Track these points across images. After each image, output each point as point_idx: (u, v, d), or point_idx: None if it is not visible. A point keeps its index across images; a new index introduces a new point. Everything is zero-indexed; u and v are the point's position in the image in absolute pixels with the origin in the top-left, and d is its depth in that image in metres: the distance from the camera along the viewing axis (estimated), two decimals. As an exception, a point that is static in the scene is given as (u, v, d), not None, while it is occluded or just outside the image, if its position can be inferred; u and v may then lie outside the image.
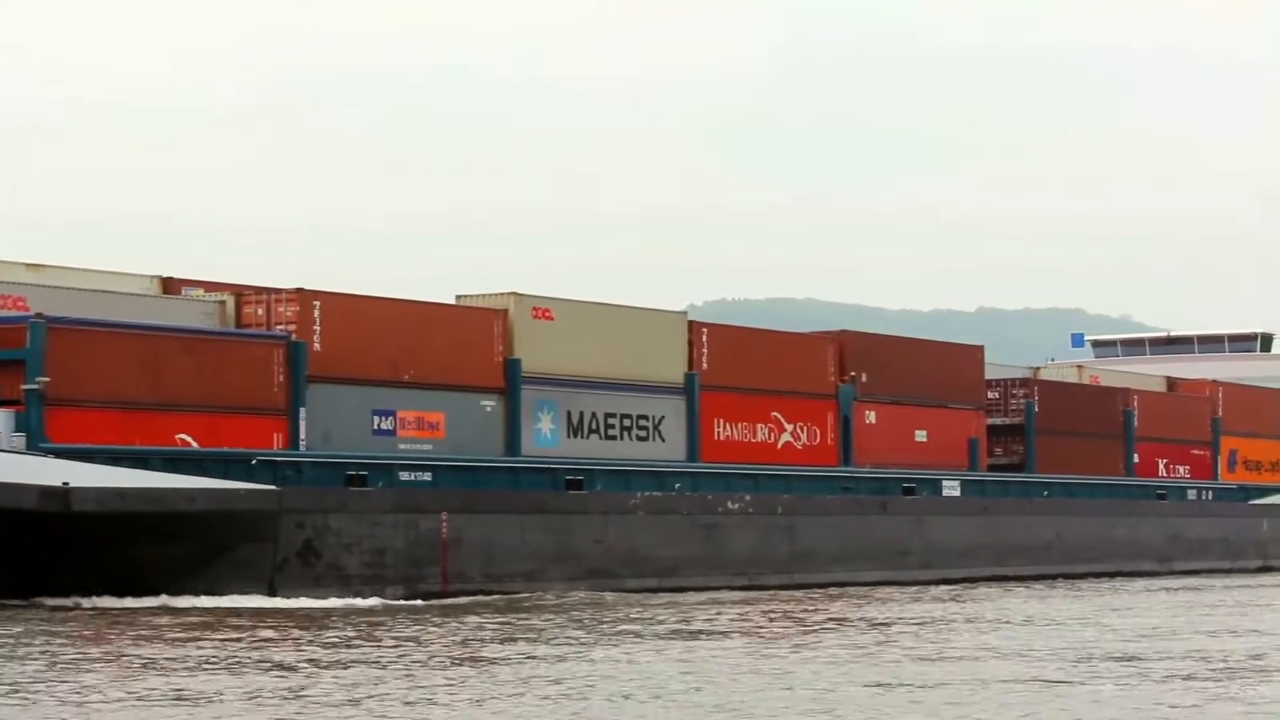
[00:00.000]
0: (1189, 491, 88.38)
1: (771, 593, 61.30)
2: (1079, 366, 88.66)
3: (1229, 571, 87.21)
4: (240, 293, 55.47)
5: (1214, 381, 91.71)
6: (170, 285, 56.48)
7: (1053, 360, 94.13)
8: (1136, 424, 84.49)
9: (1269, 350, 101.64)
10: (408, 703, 27.99)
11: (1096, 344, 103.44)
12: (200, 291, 56.07)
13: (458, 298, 60.26)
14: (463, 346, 58.13)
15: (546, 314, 60.40)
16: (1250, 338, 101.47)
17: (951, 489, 74.06)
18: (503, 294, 59.81)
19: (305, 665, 33.58)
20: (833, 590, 63.64)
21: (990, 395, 78.56)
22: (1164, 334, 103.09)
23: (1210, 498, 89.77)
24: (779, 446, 67.55)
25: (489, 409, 58.71)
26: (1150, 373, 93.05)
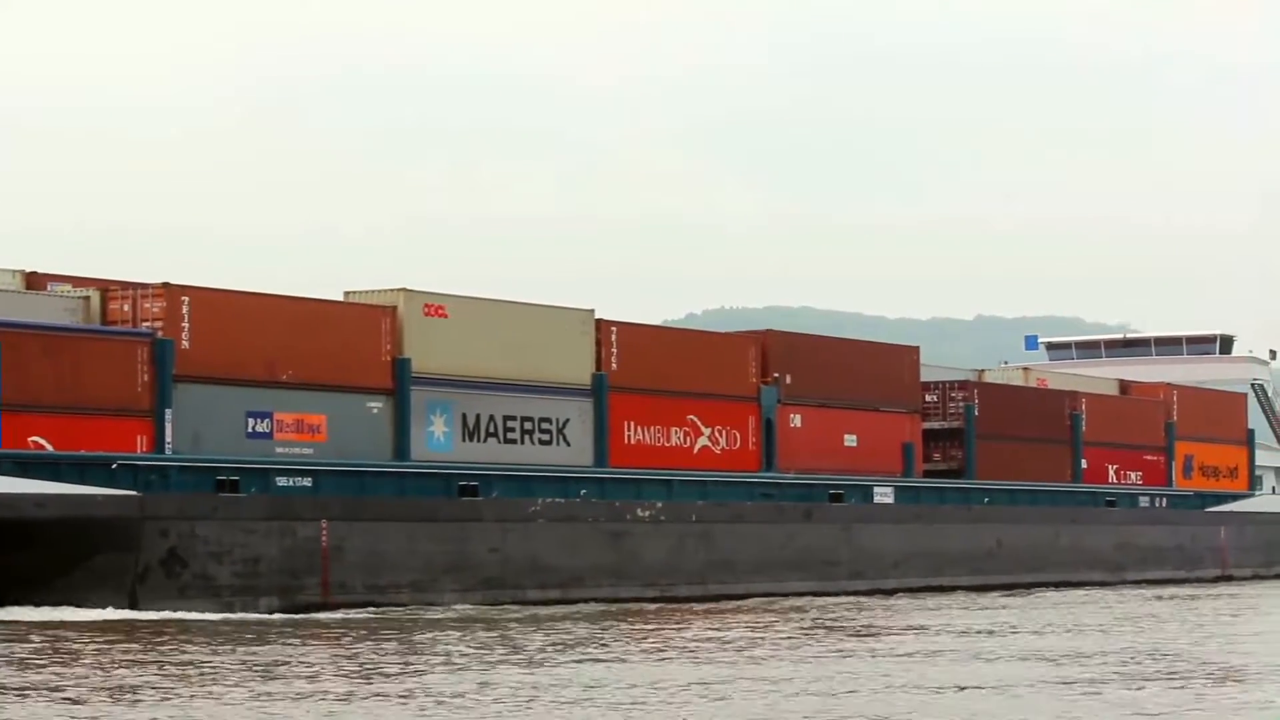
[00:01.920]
0: (1141, 498, 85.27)
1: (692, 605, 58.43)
2: (1025, 369, 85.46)
3: (1184, 581, 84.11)
4: (106, 288, 52.56)
5: (1168, 384, 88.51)
6: (34, 280, 53.62)
7: (1006, 363, 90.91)
8: (1084, 428, 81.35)
9: (1229, 352, 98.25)
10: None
11: (1050, 346, 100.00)
12: (66, 287, 53.13)
13: (345, 294, 57.29)
14: (347, 345, 55.16)
15: (439, 311, 57.42)
16: (1209, 339, 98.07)
17: (884, 495, 70.94)
18: (392, 290, 56.87)
19: None
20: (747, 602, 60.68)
21: (928, 398, 75.49)
22: (1120, 336, 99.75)
23: (1164, 505, 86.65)
24: (695, 451, 64.50)
25: (375, 411, 55.74)
26: (1104, 376, 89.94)
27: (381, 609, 53.17)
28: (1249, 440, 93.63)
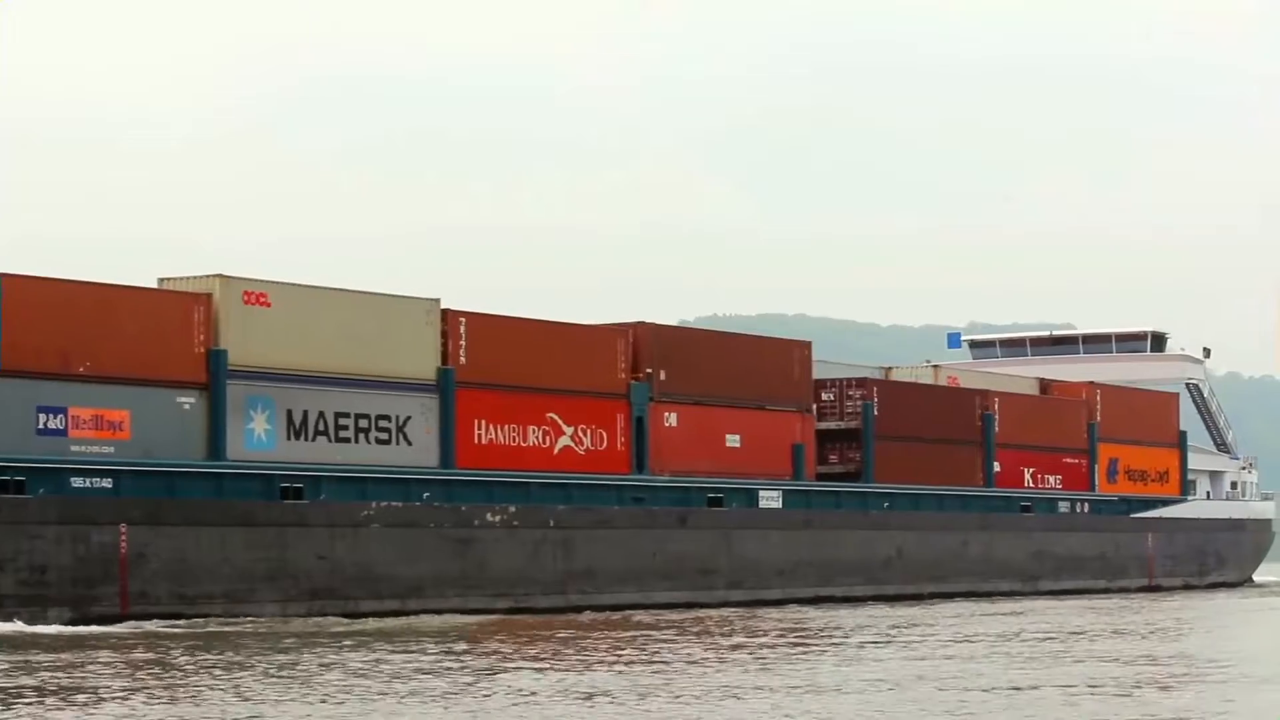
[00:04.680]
0: (1060, 503, 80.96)
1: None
2: (935, 367, 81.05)
3: (1106, 591, 79.81)
4: (-119, 273, 48.35)
5: (1091, 384, 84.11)
6: None
7: (928, 362, 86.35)
8: (997, 429, 77.01)
9: (1162, 350, 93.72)
10: None
11: (974, 345, 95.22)
12: None
13: (160, 281, 53.08)
14: (154, 335, 50.91)
15: (261, 299, 53.16)
16: (1140, 337, 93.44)
17: (770, 500, 66.68)
18: (207, 276, 52.63)
19: None
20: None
21: (824, 397, 71.23)
22: (1047, 333, 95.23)
23: (1086, 510, 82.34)
24: (556, 452, 60.22)
25: (187, 407, 51.49)
26: (1028, 375, 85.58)
27: (190, 621, 49.01)
28: (1181, 443, 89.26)
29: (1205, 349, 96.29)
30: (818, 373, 71.13)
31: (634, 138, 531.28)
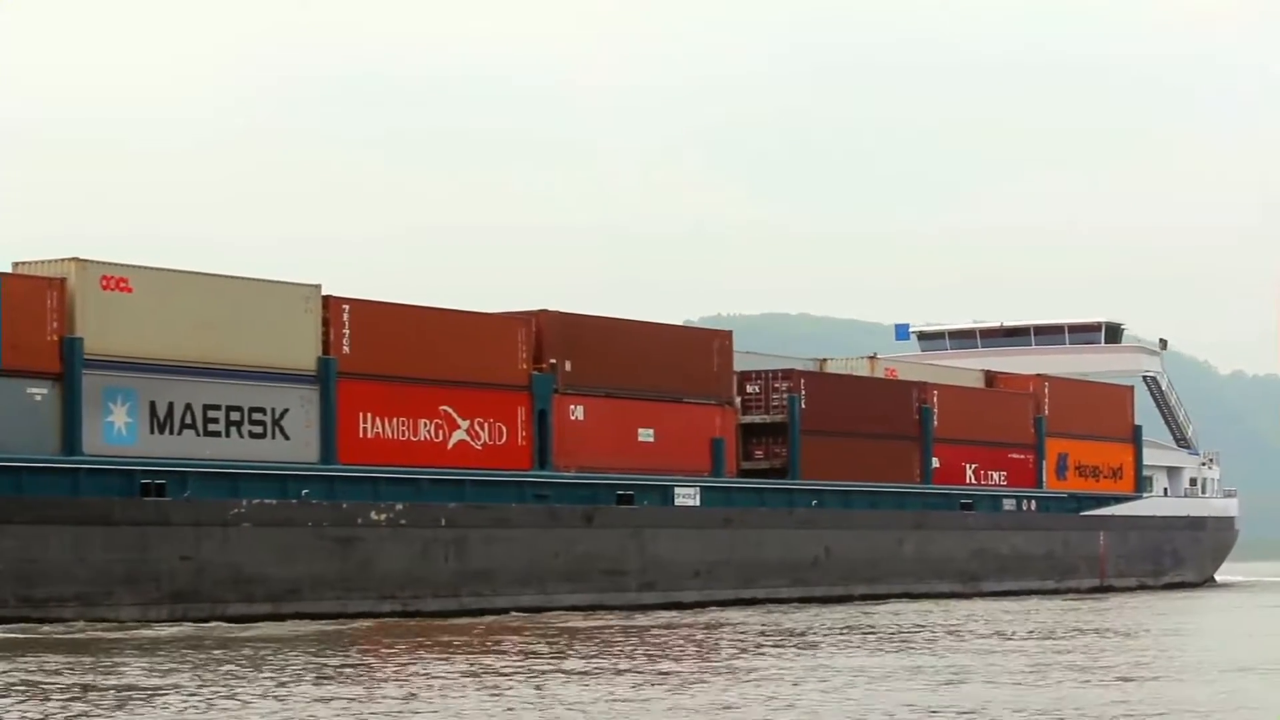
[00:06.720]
0: (1005, 501, 77.76)
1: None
2: (872, 358, 77.82)
3: (1053, 592, 76.63)
4: None
5: (1039, 376, 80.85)
6: None
7: (875, 355, 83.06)
8: (936, 423, 73.83)
9: (1117, 341, 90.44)
10: None
11: (922, 336, 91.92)
12: None
13: (14, 265, 50.07)
14: (2, 322, 47.79)
15: (121, 284, 50.12)
16: (1094, 328, 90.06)
17: (686, 497, 63.57)
18: (62, 260, 49.61)
19: None
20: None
21: (750, 389, 68.09)
22: (998, 325, 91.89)
23: (1033, 508, 79.14)
24: (450, 447, 57.14)
25: (38, 398, 48.45)
26: (977, 367, 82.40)
27: (37, 625, 46.01)
28: (1135, 438, 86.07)
29: (1162, 340, 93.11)
30: (744, 364, 68.09)
31: (634, 138, 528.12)
